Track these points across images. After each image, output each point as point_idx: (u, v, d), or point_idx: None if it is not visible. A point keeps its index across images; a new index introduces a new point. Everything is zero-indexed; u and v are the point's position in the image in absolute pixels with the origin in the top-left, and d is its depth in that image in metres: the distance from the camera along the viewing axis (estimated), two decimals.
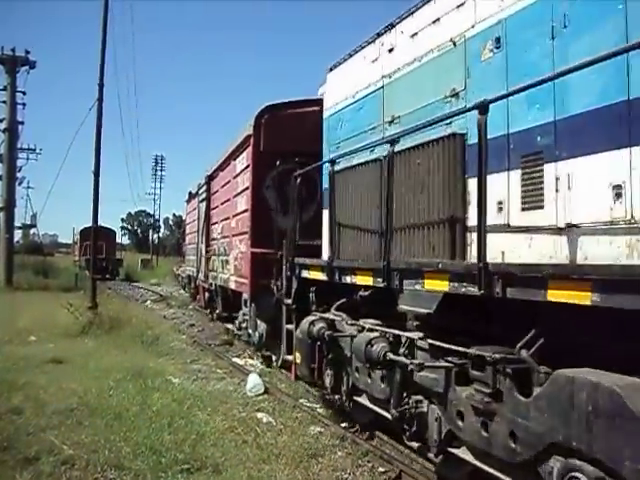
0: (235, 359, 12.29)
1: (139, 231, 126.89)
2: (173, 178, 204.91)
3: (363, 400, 6.77)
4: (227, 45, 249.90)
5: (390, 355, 5.61)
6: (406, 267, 5.43)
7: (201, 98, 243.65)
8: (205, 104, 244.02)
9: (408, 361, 5.24)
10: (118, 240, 67.18)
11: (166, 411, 7.47)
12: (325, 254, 7.62)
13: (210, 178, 17.54)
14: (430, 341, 5.07)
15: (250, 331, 11.94)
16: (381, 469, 6.26)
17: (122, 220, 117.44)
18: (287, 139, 10.41)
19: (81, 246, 46.48)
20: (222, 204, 15.22)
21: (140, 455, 5.95)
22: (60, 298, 20.49)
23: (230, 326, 14.92)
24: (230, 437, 6.82)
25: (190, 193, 24.72)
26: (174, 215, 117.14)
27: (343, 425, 7.61)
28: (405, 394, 5.53)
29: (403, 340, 5.58)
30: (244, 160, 12.36)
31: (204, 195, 18.48)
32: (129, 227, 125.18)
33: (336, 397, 7.42)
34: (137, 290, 34.70)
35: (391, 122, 6.43)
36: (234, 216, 13.34)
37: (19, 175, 33.21)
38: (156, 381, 9.20)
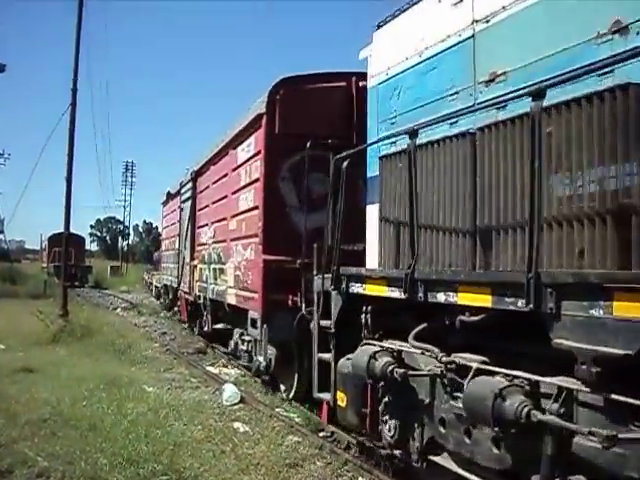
0: (209, 367, 12.17)
1: (108, 238, 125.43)
2: (143, 185, 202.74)
3: (445, 462, 4.90)
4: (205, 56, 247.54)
5: (538, 415, 3.64)
6: (574, 281, 3.45)
7: (174, 104, 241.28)
8: (179, 109, 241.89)
9: (585, 430, 3.26)
10: (87, 247, 66.54)
11: (142, 421, 7.35)
12: (372, 262, 6.16)
13: (197, 174, 15.38)
14: (614, 396, 3.25)
15: (258, 357, 9.62)
16: (361, 479, 6.24)
17: (91, 227, 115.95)
18: (308, 119, 8.76)
19: (49, 253, 45.80)
20: (214, 203, 13.13)
21: (117, 466, 5.85)
22: (29, 305, 20.32)
23: (221, 348, 13.67)
24: (207, 447, 6.75)
25: (169, 193, 21.41)
26: (144, 222, 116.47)
27: (321, 435, 7.58)
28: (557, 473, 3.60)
29: (551, 391, 3.71)
30: (251, 146, 10.06)
31: (188, 194, 16.31)
32: (98, 234, 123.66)
33: (397, 453, 5.60)
34: (107, 297, 34.21)
35: (490, 81, 4.81)
36: (234, 216, 11.07)
37: None
38: (130, 390, 9.07)
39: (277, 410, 8.77)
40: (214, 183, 13.12)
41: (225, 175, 12.03)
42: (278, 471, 6.22)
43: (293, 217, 8.93)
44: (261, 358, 9.39)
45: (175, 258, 18.85)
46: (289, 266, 8.52)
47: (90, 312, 18.73)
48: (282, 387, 9.73)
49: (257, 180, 9.50)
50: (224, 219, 11.89)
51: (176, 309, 20.09)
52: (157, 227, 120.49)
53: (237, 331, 11.41)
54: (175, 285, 18.63)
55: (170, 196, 21.20)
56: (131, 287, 43.33)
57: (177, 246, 18.37)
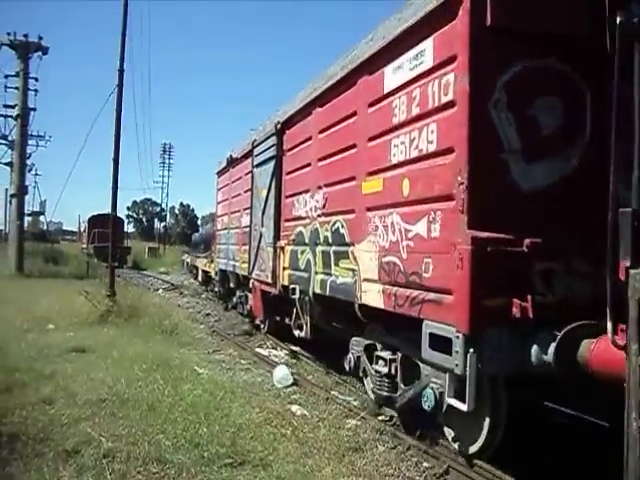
0: (258, 349, 12.11)
1: (144, 219, 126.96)
2: (180, 167, 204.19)
3: None
4: (245, 38, 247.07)
5: None
6: None
7: (214, 89, 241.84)
8: (217, 95, 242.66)
9: None
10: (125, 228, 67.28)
11: (199, 403, 7.29)
12: None
13: (284, 127, 11.18)
14: None
15: (453, 401, 5.57)
16: (426, 464, 6.07)
17: (127, 208, 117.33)
18: (537, 7, 5.42)
19: (89, 234, 46.47)
20: (323, 159, 8.98)
21: (181, 449, 5.78)
22: (73, 285, 20.56)
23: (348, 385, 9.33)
24: (268, 430, 6.64)
25: (230, 159, 16.51)
26: (181, 204, 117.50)
27: (380, 418, 7.45)
28: None
29: None
30: (425, 56, 6.09)
31: (268, 154, 12.01)
32: (134, 215, 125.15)
33: None
34: (146, 278, 34.58)
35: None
36: (375, 173, 7.14)
37: (28, 162, 33.08)
38: (183, 372, 9.02)
39: (333, 393, 8.66)
40: (322, 132, 9.04)
41: (351, 115, 7.98)
42: (342, 455, 6.09)
43: (513, 169, 5.48)
44: (462, 406, 5.36)
45: (240, 238, 15.01)
46: (512, 249, 5.22)
47: (135, 293, 18.76)
48: None
49: (446, 107, 5.66)
50: (348, 180, 7.96)
51: (236, 300, 16.79)
52: (193, 209, 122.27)
53: (360, 342, 7.99)
54: (240, 272, 14.91)
55: (232, 162, 16.42)
56: (169, 268, 43.80)
57: (245, 223, 14.35)
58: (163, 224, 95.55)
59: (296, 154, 10.45)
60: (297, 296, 9.88)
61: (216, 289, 20.35)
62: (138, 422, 6.47)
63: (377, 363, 7.40)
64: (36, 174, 52.45)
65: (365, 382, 8.11)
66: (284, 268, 10.81)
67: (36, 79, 31.24)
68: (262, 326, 13.74)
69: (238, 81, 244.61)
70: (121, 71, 14.84)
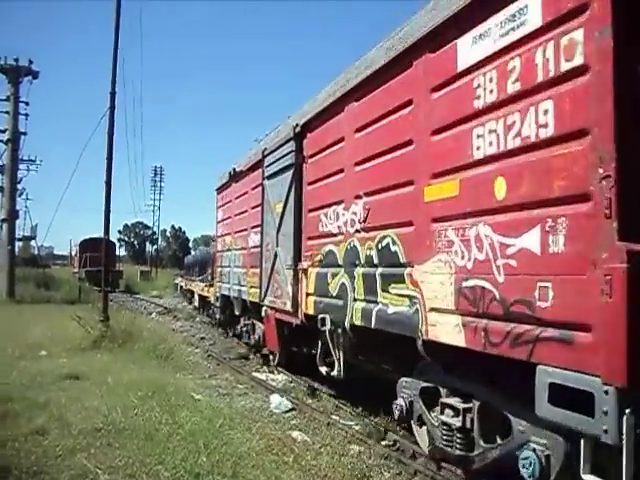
0: (255, 374, 11.91)
1: (136, 243, 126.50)
2: (172, 190, 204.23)
3: None
4: (237, 56, 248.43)
5: None
6: None
7: (204, 112, 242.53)
8: (209, 118, 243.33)
9: None
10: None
11: (197, 431, 7.09)
12: None
13: (305, 130, 9.57)
14: None
15: None
16: None
17: (119, 232, 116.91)
18: None
19: (80, 258, 46.14)
20: (364, 162, 7.40)
21: (180, 479, 5.60)
22: (65, 311, 20.20)
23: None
24: (269, 458, 6.44)
25: (233, 173, 14.87)
26: (172, 227, 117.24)
27: (383, 444, 7.27)
28: None
29: None
30: (533, 10, 4.67)
31: (284, 164, 10.37)
32: (125, 239, 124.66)
33: None
34: (139, 302, 34.29)
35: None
36: (442, 174, 5.74)
37: (19, 187, 32.90)
38: (179, 398, 8.81)
39: (333, 417, 8.47)
40: (360, 130, 7.52)
41: (403, 105, 6.47)
42: None
43: None
44: None
45: (247, 260, 13.38)
46: None
47: (129, 317, 18.51)
48: None
49: (571, 76, 4.24)
50: (402, 185, 6.40)
51: (241, 328, 15.13)
52: (185, 232, 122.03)
53: (413, 384, 6.61)
54: (248, 298, 13.13)
55: (235, 176, 14.84)
56: (162, 292, 43.53)
57: (254, 243, 12.74)
58: (155, 247, 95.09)
59: (321, 160, 8.86)
60: (327, 328, 8.22)
61: (217, 316, 18.32)
62: (135, 452, 6.26)
63: (443, 412, 5.94)
64: (27, 198, 52.23)
65: (417, 432, 6.77)
66: (308, 294, 9.16)
67: (27, 103, 31.26)
68: (272, 358, 12.48)
69: (230, 101, 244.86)
70: (113, 93, 14.73)
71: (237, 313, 14.79)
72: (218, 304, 17.29)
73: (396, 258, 6.40)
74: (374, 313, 6.78)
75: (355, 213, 7.52)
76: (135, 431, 6.98)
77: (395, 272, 6.40)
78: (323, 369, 9.20)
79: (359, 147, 7.55)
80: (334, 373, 8.57)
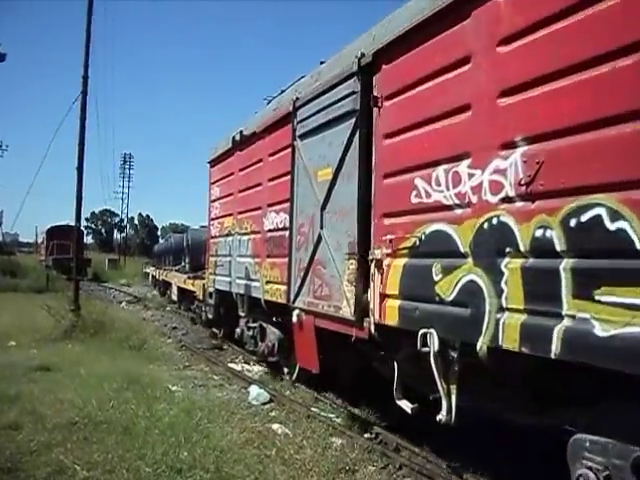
0: (231, 364, 11.75)
1: (103, 230, 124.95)
2: (140, 178, 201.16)
3: None
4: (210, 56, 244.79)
5: None
6: None
7: (178, 102, 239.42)
8: (181, 106, 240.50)
9: None
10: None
11: (176, 424, 6.92)
12: None
13: (380, 58, 6.67)
14: None
15: None
16: None
17: (86, 219, 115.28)
18: None
19: (48, 245, 45.34)
20: (521, 91, 4.63)
21: (162, 475, 5.45)
22: (33, 299, 19.83)
23: None
24: (251, 452, 6.32)
25: (241, 136, 11.66)
26: (140, 215, 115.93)
27: (366, 436, 7.19)
28: None
29: None
30: None
31: (337, 113, 7.49)
32: (93, 226, 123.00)
33: None
34: (108, 291, 33.78)
35: None
36: None
37: None
38: (155, 390, 8.63)
39: (313, 409, 8.36)
40: (517, 38, 4.71)
41: None
42: (332, 477, 5.84)
43: None
44: None
45: (261, 247, 10.42)
46: None
47: (100, 307, 18.16)
48: None
49: None
50: (623, 119, 3.86)
51: (240, 334, 12.32)
52: (153, 220, 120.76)
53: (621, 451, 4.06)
54: (263, 296, 10.14)
55: (241, 142, 11.76)
56: (130, 280, 42.96)
57: (277, 224, 9.75)
58: (123, 235, 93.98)
59: (415, 98, 5.97)
60: (433, 349, 5.43)
61: (208, 315, 14.65)
62: (114, 447, 6.08)
63: None
64: None
65: None
66: (386, 296, 6.28)
67: None
68: (287, 371, 10.38)
69: (201, 92, 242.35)
70: (85, 77, 14.35)
71: (241, 314, 11.94)
72: (211, 301, 14.03)
73: (621, 242, 3.79)
74: (556, 334, 4.14)
75: (503, 172, 4.75)
76: (112, 424, 6.80)
77: (618, 266, 3.82)
78: (405, 404, 6.27)
79: (514, 65, 4.72)
80: (441, 417, 5.45)
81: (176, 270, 24.24)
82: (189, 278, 19.10)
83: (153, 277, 32.68)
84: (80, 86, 14.25)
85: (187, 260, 22.13)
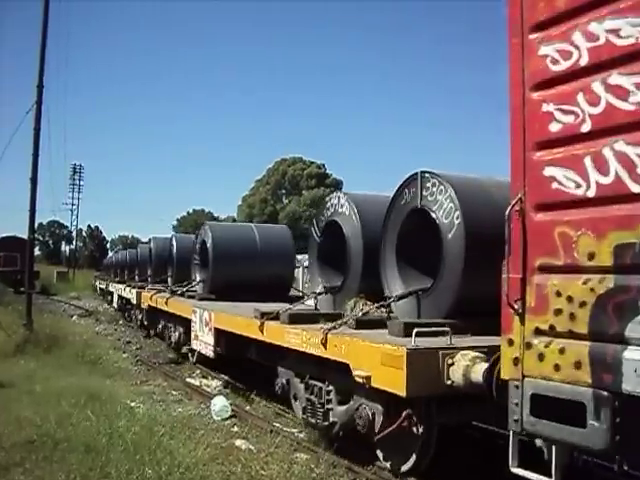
0: (189, 379, 11.62)
1: (50, 242, 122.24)
2: (91, 190, 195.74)
3: None
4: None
5: None
6: None
7: (130, 113, 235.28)
8: (133, 119, 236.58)
9: None
10: None
11: (139, 441, 6.81)
12: None
13: None
14: None
15: None
16: None
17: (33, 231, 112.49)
18: None
19: None
20: None
21: None
22: None
23: None
24: (217, 468, 6.26)
25: None
26: (89, 226, 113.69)
27: (331, 451, 7.19)
28: None
29: None
30: None
31: None
32: (40, 238, 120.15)
33: None
34: (58, 304, 33.10)
35: None
36: None
37: None
38: (115, 406, 8.48)
39: (275, 425, 8.33)
40: None
41: None
42: None
43: None
44: None
45: None
46: None
47: (53, 321, 17.76)
48: None
49: None
50: None
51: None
52: (102, 231, 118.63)
53: None
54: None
55: None
56: (80, 293, 42.13)
57: None
58: (71, 247, 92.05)
59: None
60: None
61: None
62: (76, 466, 5.94)
63: None
64: None
65: None
66: None
67: None
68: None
69: (160, 109, 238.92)
70: (40, 87, 14.02)
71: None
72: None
73: None
74: None
75: None
76: (73, 442, 6.65)
77: None
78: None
79: None
80: None
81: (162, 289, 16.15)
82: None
83: (119, 297, 23.80)
84: (34, 96, 13.91)
85: (171, 272, 16.79)
